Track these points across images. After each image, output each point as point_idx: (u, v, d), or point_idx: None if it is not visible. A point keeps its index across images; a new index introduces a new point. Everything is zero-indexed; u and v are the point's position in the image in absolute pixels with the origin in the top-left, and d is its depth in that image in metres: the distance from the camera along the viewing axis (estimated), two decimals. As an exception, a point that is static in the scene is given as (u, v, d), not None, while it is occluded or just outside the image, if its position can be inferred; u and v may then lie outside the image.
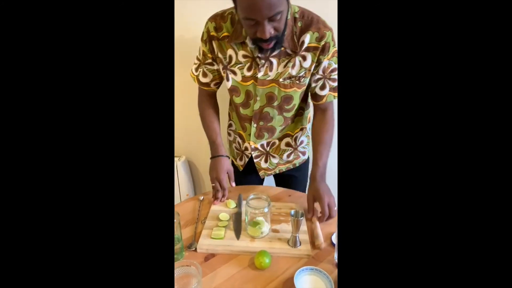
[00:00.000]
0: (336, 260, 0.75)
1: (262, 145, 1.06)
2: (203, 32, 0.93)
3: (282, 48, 0.85)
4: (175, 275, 0.63)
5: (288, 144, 1.08)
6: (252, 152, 1.07)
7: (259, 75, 0.89)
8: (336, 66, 0.90)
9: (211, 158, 1.01)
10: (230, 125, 1.14)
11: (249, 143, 1.05)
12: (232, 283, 0.69)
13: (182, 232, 0.79)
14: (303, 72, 0.89)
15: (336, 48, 0.89)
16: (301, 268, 0.68)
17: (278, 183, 1.21)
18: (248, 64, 0.89)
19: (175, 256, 0.74)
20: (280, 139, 1.06)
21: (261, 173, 1.12)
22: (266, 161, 1.09)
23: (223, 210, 0.93)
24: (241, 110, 0.99)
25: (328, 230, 0.85)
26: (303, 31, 0.84)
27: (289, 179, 1.16)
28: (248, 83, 0.92)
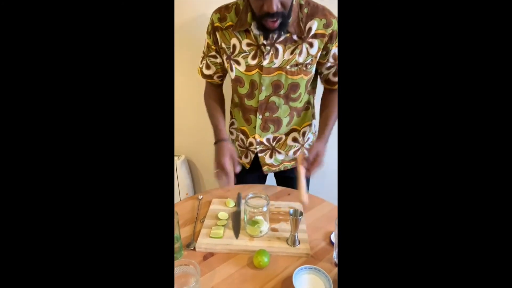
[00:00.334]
0: (335, 259, 0.75)
1: (268, 139, 1.04)
2: (208, 25, 0.95)
3: (288, 34, 0.86)
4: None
5: (295, 140, 1.06)
6: (257, 147, 1.05)
7: (264, 63, 0.89)
8: None
9: (214, 144, 0.99)
10: (232, 124, 1.13)
11: (253, 137, 1.03)
12: (230, 282, 0.69)
13: (180, 231, 0.79)
14: (310, 59, 0.90)
15: None
16: (300, 267, 0.68)
17: (279, 183, 1.20)
18: (253, 52, 0.90)
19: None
20: (287, 134, 1.05)
21: (264, 168, 1.10)
22: (271, 156, 1.08)
23: (222, 209, 0.93)
24: (246, 101, 0.99)
25: (327, 229, 0.85)
26: (309, 17, 0.86)
27: (290, 180, 1.15)
28: (253, 72, 0.92)
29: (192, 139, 1.62)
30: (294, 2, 0.82)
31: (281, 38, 0.86)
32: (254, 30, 0.86)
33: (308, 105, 1.04)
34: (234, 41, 0.90)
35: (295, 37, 0.86)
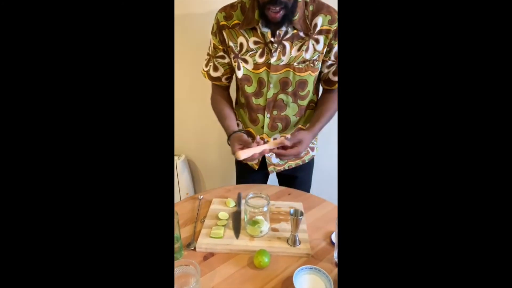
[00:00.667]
0: (336, 259, 0.75)
1: (275, 139, 1.03)
2: (213, 25, 0.94)
3: (295, 31, 0.87)
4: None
5: None
6: None
7: (272, 60, 0.89)
8: None
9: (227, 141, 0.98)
10: (237, 125, 1.12)
11: (261, 137, 1.01)
12: (231, 282, 0.69)
13: (181, 231, 0.79)
14: (317, 56, 0.90)
15: None
16: (300, 267, 0.68)
17: (281, 182, 1.20)
18: (260, 50, 0.90)
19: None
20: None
21: (270, 168, 1.10)
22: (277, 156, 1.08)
23: (222, 209, 0.93)
24: (253, 100, 0.98)
25: (328, 229, 0.85)
26: (315, 14, 0.87)
27: (292, 180, 1.15)
28: (260, 70, 0.92)
29: (193, 139, 1.62)
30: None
31: (288, 35, 0.87)
32: (261, 28, 0.86)
33: (313, 104, 1.04)
34: (241, 39, 0.90)
35: (301, 33, 0.87)
